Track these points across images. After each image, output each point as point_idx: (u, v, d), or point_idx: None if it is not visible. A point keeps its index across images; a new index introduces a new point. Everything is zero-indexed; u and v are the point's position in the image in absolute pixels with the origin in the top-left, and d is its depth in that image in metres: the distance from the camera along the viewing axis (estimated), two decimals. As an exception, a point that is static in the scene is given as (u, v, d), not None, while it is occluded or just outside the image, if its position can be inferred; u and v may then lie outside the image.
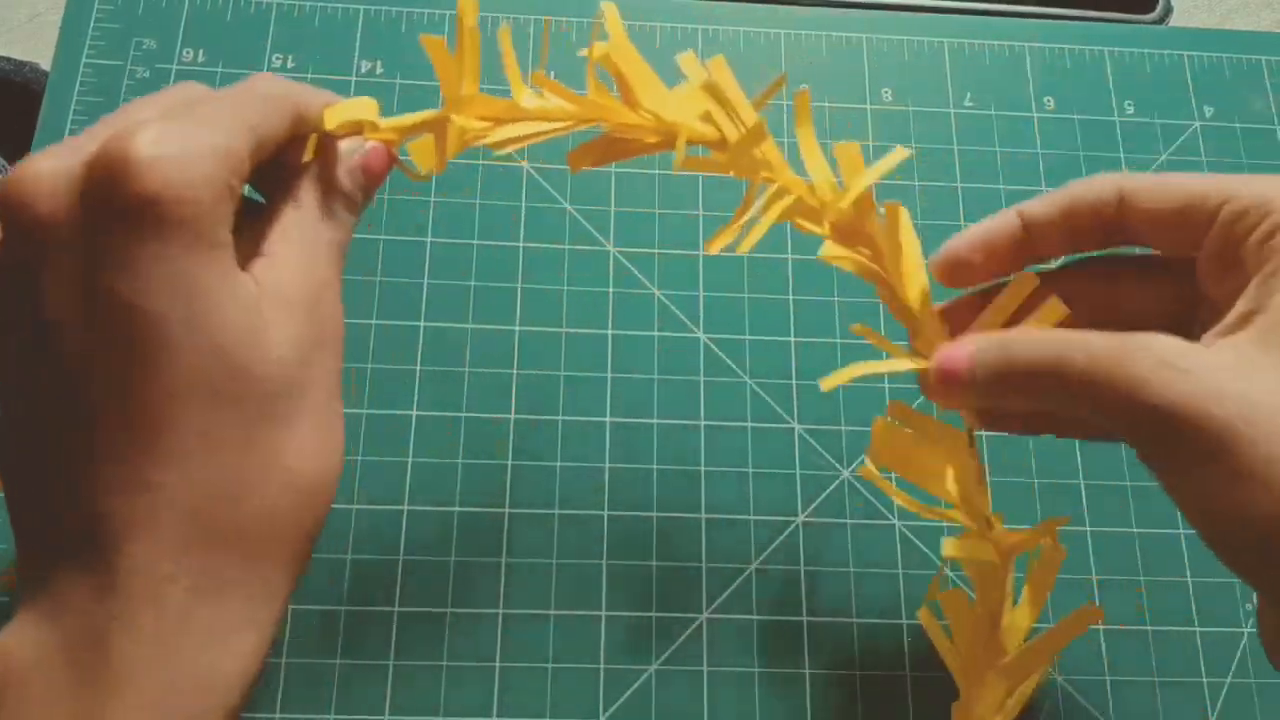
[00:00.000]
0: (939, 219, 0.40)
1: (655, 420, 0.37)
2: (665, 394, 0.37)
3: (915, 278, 0.30)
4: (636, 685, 0.34)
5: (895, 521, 0.36)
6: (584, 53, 0.29)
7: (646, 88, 0.29)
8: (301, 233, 0.26)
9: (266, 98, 0.26)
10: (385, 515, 0.35)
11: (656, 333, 0.38)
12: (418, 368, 0.37)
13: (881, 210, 0.29)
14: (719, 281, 0.39)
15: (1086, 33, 0.44)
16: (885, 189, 0.41)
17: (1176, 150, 0.42)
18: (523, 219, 0.39)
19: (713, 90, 0.29)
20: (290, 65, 0.40)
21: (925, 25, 0.44)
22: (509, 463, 0.36)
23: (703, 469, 0.36)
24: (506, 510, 0.35)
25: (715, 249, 0.29)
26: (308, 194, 0.27)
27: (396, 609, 0.34)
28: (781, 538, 0.36)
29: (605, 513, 0.35)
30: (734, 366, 0.38)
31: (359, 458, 0.35)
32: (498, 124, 0.29)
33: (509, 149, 0.29)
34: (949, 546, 0.30)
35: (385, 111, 0.40)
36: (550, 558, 0.35)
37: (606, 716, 0.33)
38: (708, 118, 0.29)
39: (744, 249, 0.29)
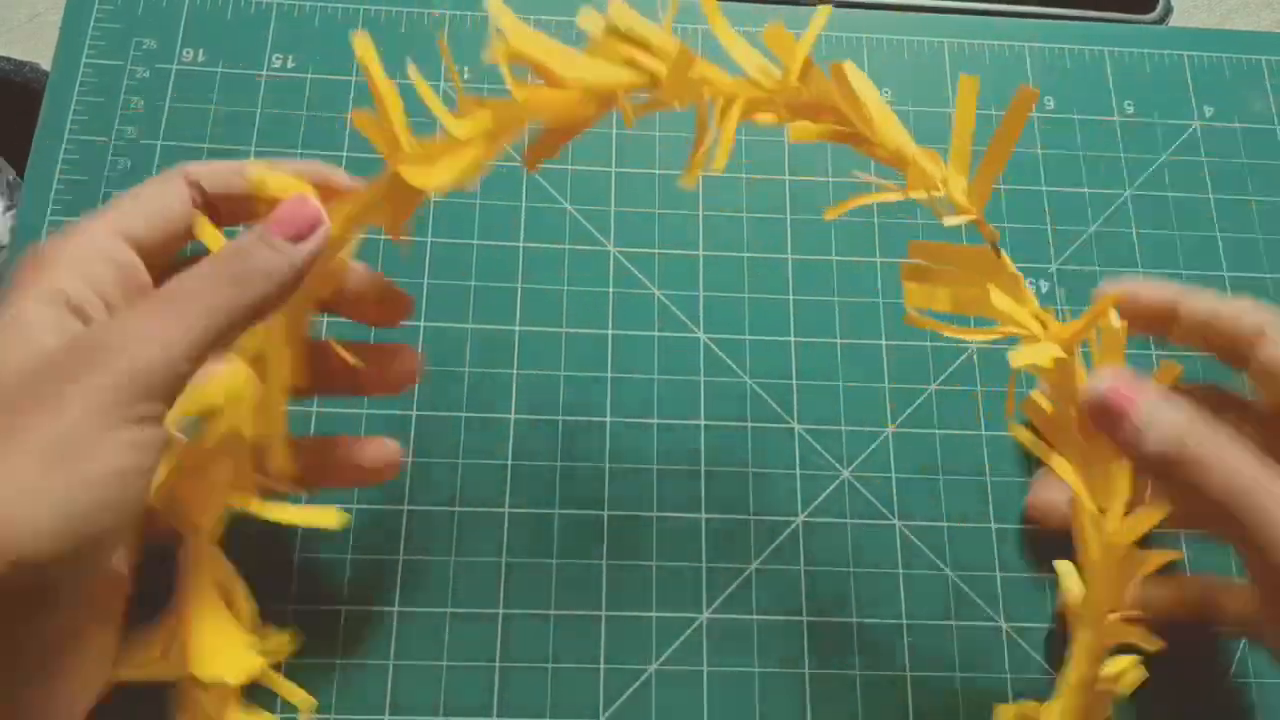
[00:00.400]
0: (937, 219, 0.40)
1: (655, 420, 0.37)
2: (665, 394, 0.37)
3: (887, 122, 0.29)
4: (636, 685, 0.34)
5: (895, 521, 0.36)
6: (488, 59, 0.28)
7: (563, 61, 0.28)
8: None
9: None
10: (386, 515, 0.35)
11: (656, 333, 0.38)
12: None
13: (828, 74, 0.29)
14: (719, 281, 0.39)
15: (1086, 33, 0.44)
16: (879, 188, 0.41)
17: (1176, 150, 0.42)
18: (523, 219, 0.39)
19: (624, 34, 0.28)
20: (290, 65, 0.40)
21: (925, 25, 0.44)
22: (509, 463, 0.36)
23: (703, 469, 0.36)
24: (506, 510, 0.35)
25: (690, 180, 0.29)
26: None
27: (397, 609, 0.34)
28: (781, 538, 0.36)
29: (605, 513, 0.35)
30: (734, 366, 0.38)
31: (359, 458, 0.35)
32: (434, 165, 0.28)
33: (462, 188, 0.29)
34: (1016, 358, 0.29)
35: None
36: (550, 558, 0.35)
37: (606, 716, 0.33)
38: (632, 62, 0.29)
39: (718, 167, 0.29)
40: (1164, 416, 0.27)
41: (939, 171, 0.30)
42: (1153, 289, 0.32)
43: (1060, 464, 0.31)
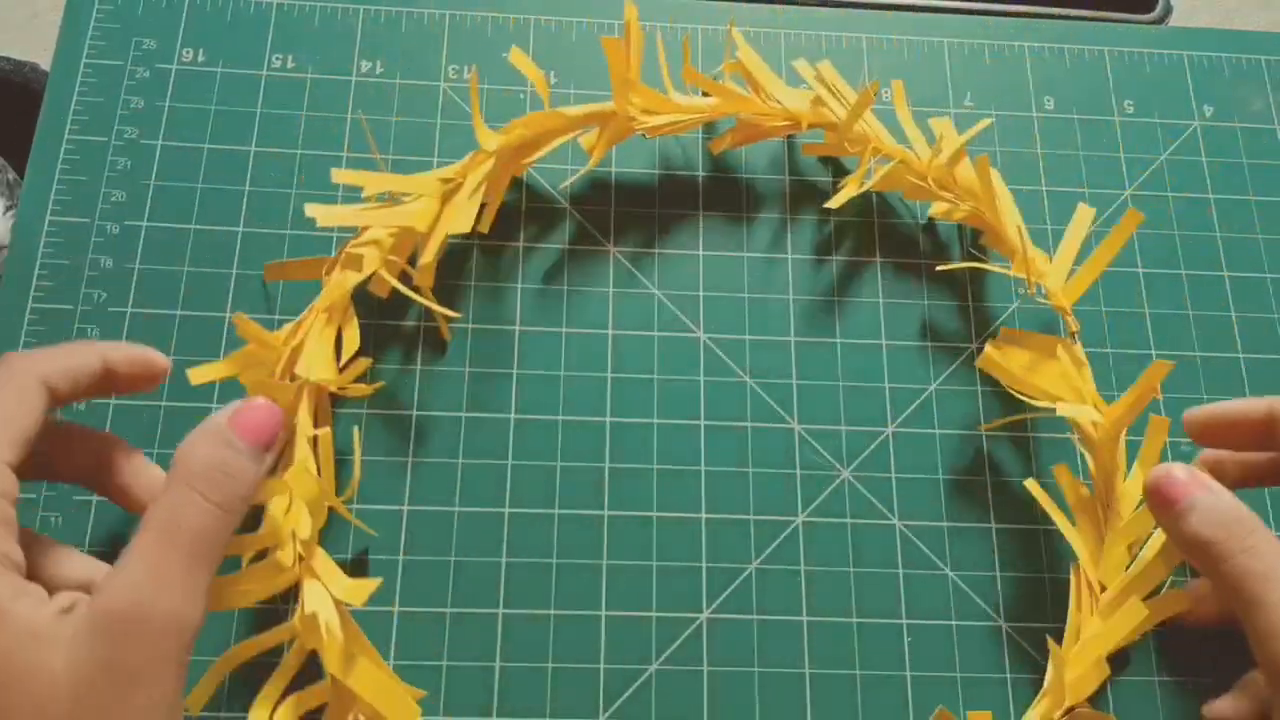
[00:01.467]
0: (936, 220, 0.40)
1: (655, 420, 0.37)
2: (665, 394, 0.37)
3: (1010, 215, 0.38)
4: (636, 685, 0.34)
5: (895, 521, 0.36)
6: (723, 68, 0.39)
7: (771, 85, 0.39)
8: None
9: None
10: (385, 515, 0.35)
11: (657, 333, 0.38)
12: (417, 368, 0.37)
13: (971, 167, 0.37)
14: (719, 282, 0.39)
15: (1086, 32, 0.44)
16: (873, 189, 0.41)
17: (1176, 150, 0.42)
18: (522, 219, 0.39)
19: (823, 81, 0.39)
20: (290, 65, 0.40)
21: (925, 25, 0.44)
22: (509, 463, 0.36)
23: (703, 469, 0.36)
24: (506, 510, 0.35)
25: (838, 203, 0.37)
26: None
27: (396, 609, 0.34)
28: (781, 538, 0.36)
29: (605, 513, 0.35)
30: (734, 367, 0.38)
31: (354, 457, 0.35)
32: (651, 114, 0.37)
33: (661, 134, 0.38)
34: (1064, 408, 0.34)
35: (378, 106, 0.40)
36: (550, 557, 0.35)
37: (606, 716, 0.33)
38: (820, 102, 0.38)
39: (836, 205, 0.37)
40: (1205, 504, 0.30)
41: (1046, 266, 0.37)
42: (1242, 405, 0.33)
43: (1066, 526, 0.35)
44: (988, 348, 0.35)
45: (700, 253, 0.39)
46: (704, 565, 0.35)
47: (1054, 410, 0.34)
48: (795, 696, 0.34)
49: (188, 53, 0.40)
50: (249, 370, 0.32)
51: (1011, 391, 0.36)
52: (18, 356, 0.28)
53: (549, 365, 0.37)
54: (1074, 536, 0.35)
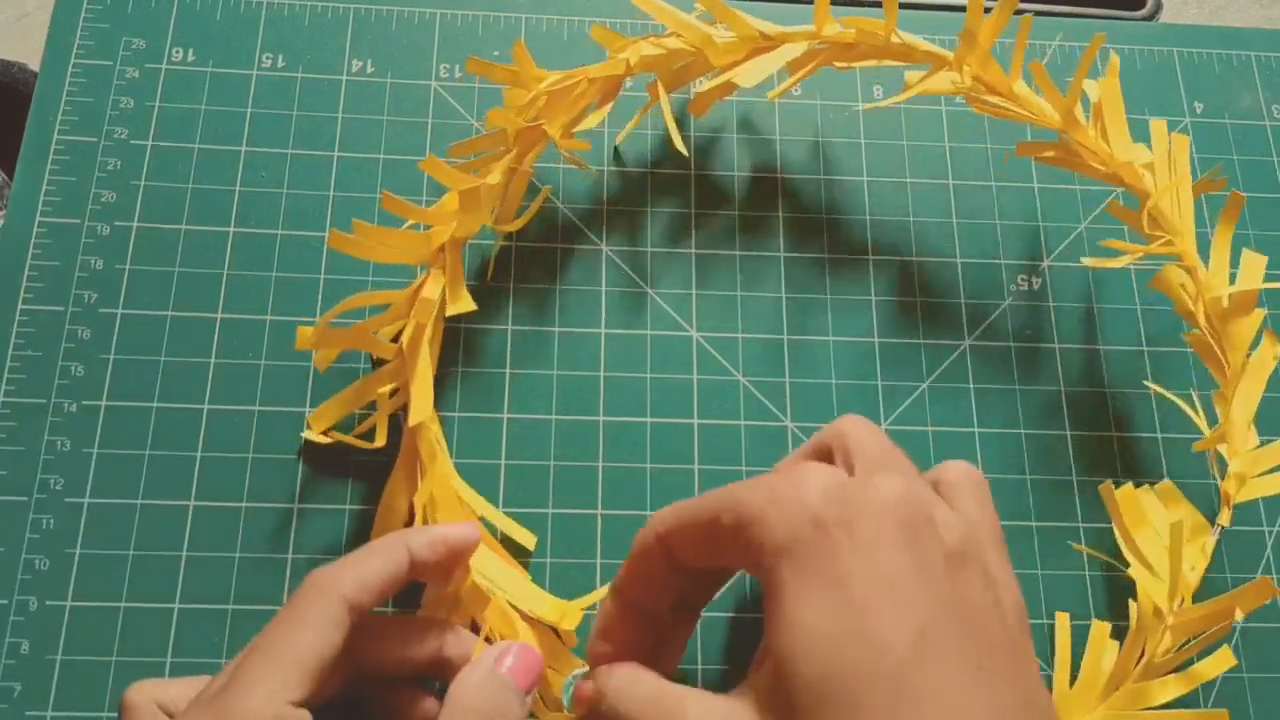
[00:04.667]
0: (930, 216, 0.40)
1: (649, 419, 0.37)
2: (659, 393, 0.37)
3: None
4: (631, 684, 0.33)
5: (889, 519, 0.36)
6: (1089, 93, 0.37)
7: (1116, 128, 0.36)
8: None
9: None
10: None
11: (650, 332, 0.38)
12: (410, 368, 0.37)
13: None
14: (712, 280, 0.39)
15: (1077, 29, 0.44)
16: (872, 186, 0.41)
17: (1167, 146, 0.42)
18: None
19: (1161, 160, 0.36)
20: (280, 64, 0.40)
21: (923, 23, 0.44)
22: (502, 462, 0.36)
23: (696, 468, 0.36)
24: (501, 510, 0.35)
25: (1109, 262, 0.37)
26: None
27: (395, 609, 0.34)
28: (775, 536, 0.36)
29: (599, 511, 0.35)
30: (727, 365, 0.38)
31: (353, 458, 0.35)
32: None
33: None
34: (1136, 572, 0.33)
35: (368, 106, 0.40)
36: (545, 556, 0.35)
37: (602, 715, 0.33)
38: (1148, 169, 0.36)
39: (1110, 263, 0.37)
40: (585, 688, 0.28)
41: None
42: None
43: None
44: (1109, 488, 0.34)
45: (693, 251, 0.39)
46: (698, 564, 0.35)
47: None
48: (790, 694, 0.34)
49: (178, 52, 0.40)
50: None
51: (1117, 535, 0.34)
52: (325, 576, 0.28)
53: (542, 364, 0.37)
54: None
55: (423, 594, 0.32)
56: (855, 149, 0.41)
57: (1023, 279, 0.40)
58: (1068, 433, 0.38)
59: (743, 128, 0.41)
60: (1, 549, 0.33)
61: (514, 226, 0.37)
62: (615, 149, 0.40)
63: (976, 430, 0.37)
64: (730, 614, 0.35)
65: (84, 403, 0.35)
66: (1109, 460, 0.37)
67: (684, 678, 0.34)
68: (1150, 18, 0.46)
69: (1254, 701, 0.35)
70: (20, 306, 0.36)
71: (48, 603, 0.33)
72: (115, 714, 0.32)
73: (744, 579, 0.35)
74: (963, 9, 0.45)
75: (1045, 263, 0.40)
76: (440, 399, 0.36)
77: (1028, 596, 0.35)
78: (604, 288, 0.38)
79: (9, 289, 0.36)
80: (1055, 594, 0.35)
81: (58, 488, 0.34)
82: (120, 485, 0.34)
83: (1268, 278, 0.40)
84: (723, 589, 0.33)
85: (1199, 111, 0.43)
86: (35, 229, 0.37)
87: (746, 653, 0.34)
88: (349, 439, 0.34)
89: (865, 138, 0.41)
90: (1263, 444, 0.34)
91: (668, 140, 0.40)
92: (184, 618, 0.33)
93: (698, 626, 0.34)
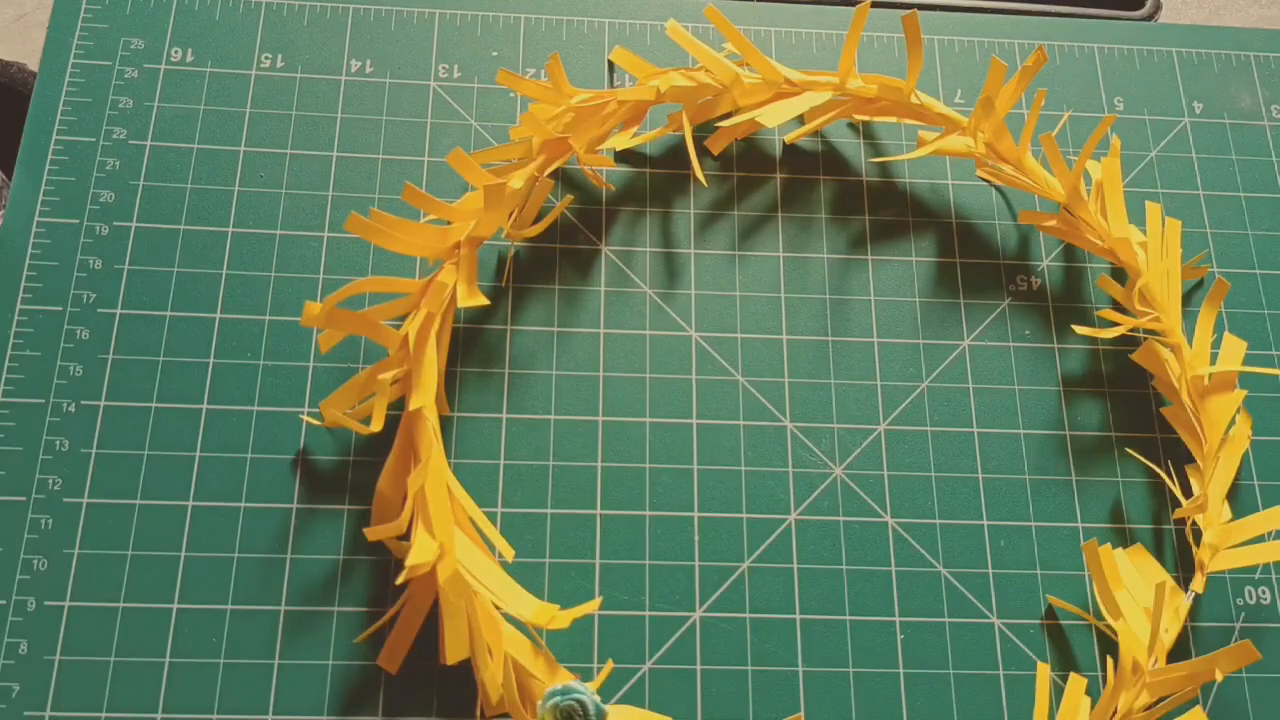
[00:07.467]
0: (927, 215, 0.40)
1: (648, 419, 0.37)
2: (658, 393, 0.37)
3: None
4: (631, 684, 0.33)
5: (888, 519, 0.36)
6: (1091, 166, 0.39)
7: (1115, 207, 0.38)
8: None
9: None
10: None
11: (649, 332, 0.38)
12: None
13: None
14: (711, 280, 0.39)
15: (1076, 29, 0.44)
16: (872, 186, 0.41)
17: (1166, 147, 0.42)
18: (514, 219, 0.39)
19: (1154, 240, 0.38)
20: (279, 65, 0.40)
21: (891, 22, 0.44)
22: (501, 463, 0.36)
23: (695, 468, 0.36)
24: (500, 510, 0.35)
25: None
26: None
27: None
28: (774, 536, 0.36)
29: (598, 512, 0.35)
30: (726, 365, 0.38)
31: (352, 459, 0.35)
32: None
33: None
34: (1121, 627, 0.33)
35: (367, 106, 0.40)
36: (543, 557, 0.35)
37: (601, 716, 0.33)
38: (1143, 247, 0.38)
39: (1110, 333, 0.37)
40: None
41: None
42: None
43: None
44: (1093, 546, 0.33)
45: (692, 251, 0.39)
46: (696, 564, 0.35)
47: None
48: (788, 695, 0.34)
49: (176, 52, 0.40)
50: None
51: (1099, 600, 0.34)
52: None
53: (541, 364, 0.37)
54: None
55: (403, 594, 0.32)
56: (855, 149, 0.41)
57: (1022, 279, 0.40)
58: (1067, 433, 0.38)
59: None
60: (0, 549, 0.33)
61: (531, 233, 0.37)
62: (614, 150, 0.40)
63: (976, 430, 0.37)
64: (724, 614, 0.35)
65: (83, 403, 0.35)
66: (1109, 460, 0.37)
67: (680, 676, 0.34)
68: (1149, 18, 0.46)
69: (1254, 702, 0.35)
70: (19, 306, 0.36)
71: (46, 603, 0.33)
72: (114, 714, 0.32)
73: (742, 580, 0.35)
74: (935, 8, 0.45)
75: (1044, 263, 0.40)
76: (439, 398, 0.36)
77: (1028, 596, 0.35)
78: (604, 288, 0.38)
79: (8, 289, 0.36)
80: (1054, 595, 0.35)
81: (56, 488, 0.34)
82: (119, 485, 0.34)
83: (1263, 282, 0.40)
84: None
85: (1198, 111, 0.43)
86: (34, 229, 0.37)
87: (742, 651, 0.34)
88: (348, 421, 0.34)
89: (862, 137, 0.41)
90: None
91: (667, 140, 0.40)
92: (183, 618, 0.33)
93: (693, 625, 0.34)
